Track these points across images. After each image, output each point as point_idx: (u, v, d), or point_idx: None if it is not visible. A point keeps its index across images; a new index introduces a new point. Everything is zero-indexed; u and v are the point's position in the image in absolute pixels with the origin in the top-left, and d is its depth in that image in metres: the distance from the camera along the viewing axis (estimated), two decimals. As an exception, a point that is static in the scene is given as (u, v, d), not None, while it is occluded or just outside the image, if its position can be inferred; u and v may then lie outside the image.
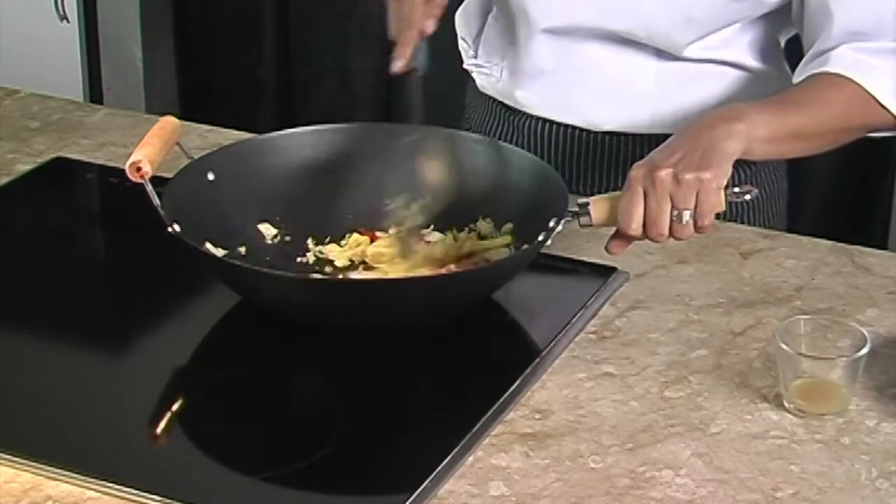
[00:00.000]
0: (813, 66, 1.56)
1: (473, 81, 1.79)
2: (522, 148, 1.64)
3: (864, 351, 1.29)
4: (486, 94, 1.77)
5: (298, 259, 1.51)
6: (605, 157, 1.69)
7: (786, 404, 1.31)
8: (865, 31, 1.54)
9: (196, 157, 1.51)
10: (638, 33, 1.61)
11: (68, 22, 3.10)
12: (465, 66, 1.79)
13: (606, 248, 1.40)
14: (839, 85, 1.53)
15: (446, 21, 1.73)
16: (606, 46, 1.64)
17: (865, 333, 1.30)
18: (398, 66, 1.50)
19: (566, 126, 1.69)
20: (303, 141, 1.56)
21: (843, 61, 1.53)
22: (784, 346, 1.29)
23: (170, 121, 1.50)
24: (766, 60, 1.67)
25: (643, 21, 1.60)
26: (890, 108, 1.53)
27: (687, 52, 1.62)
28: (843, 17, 1.54)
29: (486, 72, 1.75)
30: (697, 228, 1.37)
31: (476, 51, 1.78)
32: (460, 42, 1.81)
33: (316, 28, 3.07)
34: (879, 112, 1.54)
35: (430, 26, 1.52)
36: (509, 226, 1.50)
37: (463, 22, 1.81)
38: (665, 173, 1.35)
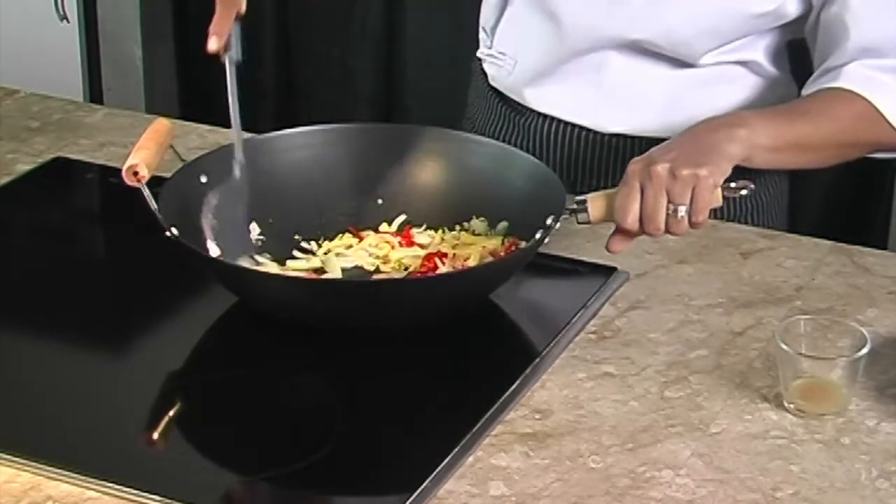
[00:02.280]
0: (823, 80, 1.55)
1: (477, 79, 1.79)
2: (527, 148, 1.64)
3: (864, 351, 1.29)
4: (491, 93, 1.77)
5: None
6: (611, 159, 1.68)
7: (786, 404, 1.31)
8: (879, 48, 1.53)
9: (193, 157, 1.51)
10: (660, 43, 1.61)
11: (68, 22, 3.10)
12: (478, 54, 1.79)
13: (607, 247, 1.40)
14: (849, 100, 1.52)
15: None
16: (622, 52, 1.63)
17: (865, 333, 1.30)
18: (213, 44, 1.46)
19: (573, 126, 1.69)
20: (294, 142, 1.56)
21: (854, 77, 1.53)
22: (784, 346, 1.29)
23: (163, 123, 1.51)
24: (777, 65, 1.67)
25: (667, 31, 1.60)
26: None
27: (702, 59, 1.63)
28: (857, 34, 1.54)
29: (499, 63, 1.74)
30: (692, 224, 1.37)
31: (492, 41, 1.77)
32: (480, 31, 1.80)
33: (316, 28, 3.06)
34: (887, 130, 1.53)
35: (244, 4, 1.49)
36: (504, 224, 1.50)
37: (484, 11, 1.80)
38: (662, 167, 1.36)
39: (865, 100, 1.52)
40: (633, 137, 1.67)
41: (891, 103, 1.52)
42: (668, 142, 1.41)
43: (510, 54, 1.73)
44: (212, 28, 1.46)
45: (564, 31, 1.64)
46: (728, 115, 1.49)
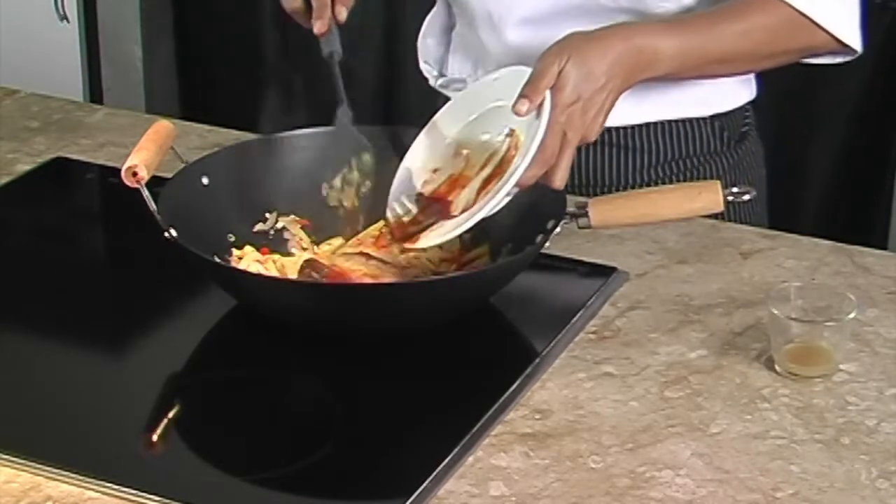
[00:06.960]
0: None
1: None
2: None
3: (852, 315, 1.32)
4: None
5: None
6: (611, 156, 1.67)
7: (777, 368, 1.33)
8: None
9: (193, 158, 1.51)
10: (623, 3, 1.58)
11: (68, 22, 3.10)
12: (435, 86, 1.78)
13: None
14: (773, 8, 1.51)
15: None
16: (577, 27, 1.60)
17: (853, 298, 1.33)
18: (321, 25, 1.54)
19: None
20: (297, 143, 1.56)
21: None
22: (775, 312, 1.32)
23: (164, 125, 1.50)
24: None
25: None
26: (827, 28, 1.52)
27: (658, 10, 1.59)
28: None
29: (460, 86, 1.73)
30: None
31: (443, 71, 1.77)
32: (422, 65, 1.80)
33: (316, 28, 3.06)
34: (818, 34, 1.52)
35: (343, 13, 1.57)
36: (484, 247, 1.49)
37: (426, 45, 1.80)
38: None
39: (788, 4, 1.50)
40: (620, 128, 1.65)
41: (815, 6, 1.51)
42: (605, 84, 1.43)
43: (469, 72, 1.72)
44: (315, 13, 1.56)
45: (505, 24, 1.63)
46: (641, 46, 1.46)
